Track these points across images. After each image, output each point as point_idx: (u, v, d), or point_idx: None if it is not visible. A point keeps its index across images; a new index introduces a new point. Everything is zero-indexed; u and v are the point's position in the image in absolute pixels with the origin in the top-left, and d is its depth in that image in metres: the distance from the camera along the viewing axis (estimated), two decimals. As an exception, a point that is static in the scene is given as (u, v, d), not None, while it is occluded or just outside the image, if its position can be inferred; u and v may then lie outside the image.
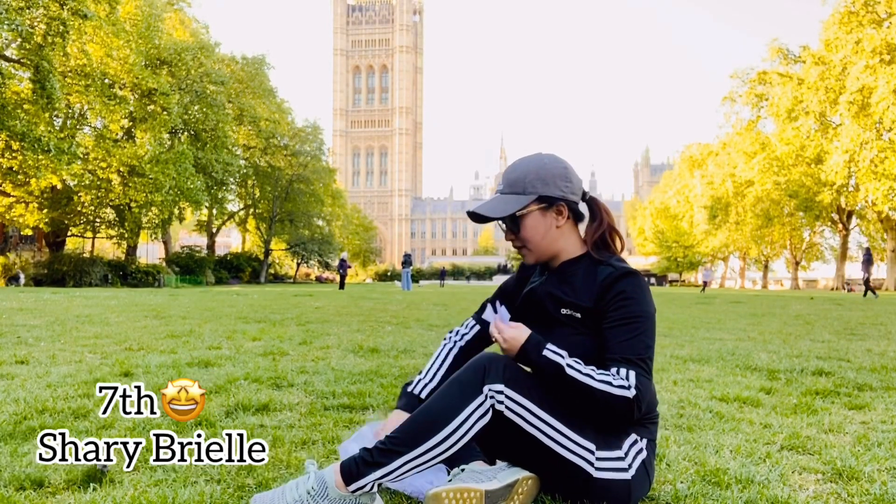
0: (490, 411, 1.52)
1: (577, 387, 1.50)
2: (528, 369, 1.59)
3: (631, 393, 1.49)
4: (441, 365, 1.82)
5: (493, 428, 1.54)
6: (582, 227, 1.77)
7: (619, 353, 1.55)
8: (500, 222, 1.75)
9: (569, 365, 1.52)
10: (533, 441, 1.53)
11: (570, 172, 1.70)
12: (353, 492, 1.47)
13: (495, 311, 1.73)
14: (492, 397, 1.51)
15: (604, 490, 1.52)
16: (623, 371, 1.52)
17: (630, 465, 1.55)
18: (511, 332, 1.57)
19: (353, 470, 1.47)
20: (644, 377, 1.52)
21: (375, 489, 1.49)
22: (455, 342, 1.87)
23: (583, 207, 1.75)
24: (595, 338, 1.61)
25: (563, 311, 1.66)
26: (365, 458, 1.47)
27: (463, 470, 1.60)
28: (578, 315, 1.64)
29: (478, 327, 1.89)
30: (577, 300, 1.64)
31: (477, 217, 1.75)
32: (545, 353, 1.53)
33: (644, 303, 1.59)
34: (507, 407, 1.51)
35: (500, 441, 1.60)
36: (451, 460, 1.61)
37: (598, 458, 1.53)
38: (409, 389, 1.77)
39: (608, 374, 1.52)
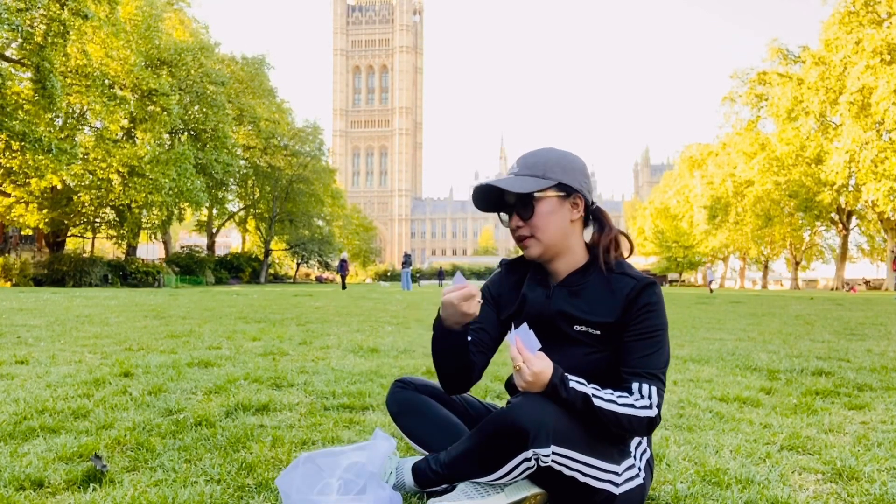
0: (536, 465, 1.45)
1: (603, 415, 1.46)
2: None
3: (653, 412, 1.48)
4: None
5: None
6: (587, 233, 1.69)
7: (641, 367, 1.51)
8: (500, 214, 1.67)
9: (594, 395, 1.46)
10: (567, 478, 1.47)
11: (588, 171, 1.67)
12: (429, 492, 1.64)
13: (515, 328, 1.50)
14: (536, 457, 1.43)
15: (624, 502, 1.50)
16: (645, 388, 1.49)
17: (640, 469, 1.56)
18: (539, 366, 1.44)
19: (427, 480, 1.62)
20: (663, 391, 1.52)
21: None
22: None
23: None
24: (612, 355, 1.57)
25: (578, 327, 1.58)
26: (431, 477, 1.61)
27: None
28: (597, 332, 1.57)
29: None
30: (596, 316, 1.56)
31: (483, 200, 1.64)
32: (572, 385, 1.46)
33: (664, 314, 1.57)
34: (553, 461, 1.44)
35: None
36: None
37: (619, 476, 1.51)
38: None
39: (628, 396, 1.48)
